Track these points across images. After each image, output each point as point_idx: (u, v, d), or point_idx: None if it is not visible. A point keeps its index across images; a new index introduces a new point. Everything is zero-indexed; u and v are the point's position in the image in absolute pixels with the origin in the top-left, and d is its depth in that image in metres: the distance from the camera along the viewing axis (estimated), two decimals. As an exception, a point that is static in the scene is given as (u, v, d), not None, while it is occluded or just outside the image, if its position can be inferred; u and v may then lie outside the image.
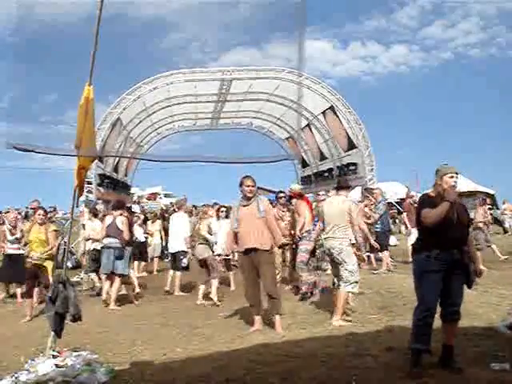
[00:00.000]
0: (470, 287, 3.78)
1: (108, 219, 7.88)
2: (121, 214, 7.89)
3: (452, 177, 3.73)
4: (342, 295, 5.51)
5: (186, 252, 8.56)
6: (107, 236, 7.66)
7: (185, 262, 8.58)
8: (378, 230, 9.98)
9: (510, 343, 4.05)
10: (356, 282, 5.54)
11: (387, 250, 10.02)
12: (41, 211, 7.07)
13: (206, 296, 7.63)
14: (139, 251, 11.52)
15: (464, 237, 3.75)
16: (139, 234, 11.72)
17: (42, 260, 6.78)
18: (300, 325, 5.51)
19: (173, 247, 8.83)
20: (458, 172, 3.78)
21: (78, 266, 11.95)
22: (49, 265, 6.83)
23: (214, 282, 7.58)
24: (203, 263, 7.82)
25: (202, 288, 7.66)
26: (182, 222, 8.79)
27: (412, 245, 4.21)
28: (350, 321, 5.56)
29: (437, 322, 3.82)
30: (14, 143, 3.12)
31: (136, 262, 11.64)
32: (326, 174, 21.98)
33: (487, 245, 10.58)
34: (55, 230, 7.23)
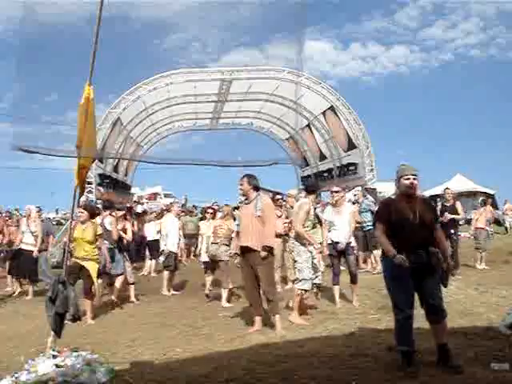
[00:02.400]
0: (445, 286, 3.77)
1: (97, 221, 7.82)
2: (110, 214, 7.86)
3: (408, 178, 3.72)
4: (294, 293, 5.84)
5: (173, 252, 8.74)
6: None
7: (161, 259, 8.82)
8: (370, 229, 9.98)
9: (510, 343, 4.04)
10: (305, 279, 5.74)
11: (377, 248, 10.09)
12: (81, 209, 6.65)
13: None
14: (152, 249, 11.49)
15: (428, 237, 3.70)
16: (152, 232, 11.67)
17: (84, 260, 6.42)
18: (300, 325, 5.51)
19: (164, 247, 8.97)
20: (415, 173, 3.74)
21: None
22: (92, 266, 6.43)
23: (225, 291, 7.33)
24: (213, 265, 7.69)
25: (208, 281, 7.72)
26: (172, 224, 8.99)
27: None
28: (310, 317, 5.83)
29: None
30: (20, 145, 3.13)
31: (149, 262, 11.64)
32: (326, 174, 22.01)
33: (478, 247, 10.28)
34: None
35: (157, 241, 11.59)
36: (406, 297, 3.67)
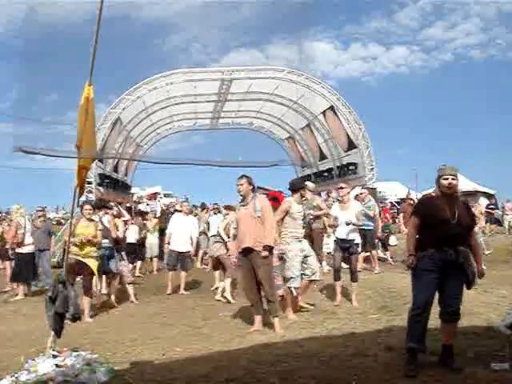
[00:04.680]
0: (468, 288, 3.75)
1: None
2: (106, 213, 7.90)
3: (447, 179, 3.73)
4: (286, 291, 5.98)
5: (174, 251, 8.75)
6: None
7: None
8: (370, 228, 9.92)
9: (510, 343, 4.04)
10: (293, 278, 5.84)
11: (375, 248, 10.13)
12: (88, 206, 6.72)
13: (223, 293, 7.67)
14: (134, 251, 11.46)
15: (461, 236, 3.69)
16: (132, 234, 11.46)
17: (86, 257, 6.47)
18: (300, 325, 5.51)
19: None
20: (454, 173, 3.75)
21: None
22: (94, 263, 6.53)
23: (227, 281, 7.55)
24: (217, 261, 7.87)
25: (221, 285, 7.74)
26: (175, 223, 8.99)
27: None
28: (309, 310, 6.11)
29: (438, 322, 3.83)
30: (21, 146, 3.12)
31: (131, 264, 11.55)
32: (326, 174, 22.00)
33: None
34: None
35: (134, 244, 11.50)
36: (426, 294, 3.67)
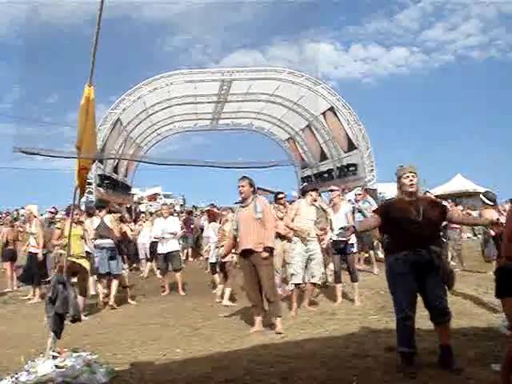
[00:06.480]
0: (449, 288, 3.71)
1: (96, 220, 7.77)
2: (109, 212, 7.92)
3: (407, 177, 3.71)
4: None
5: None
6: (99, 237, 7.56)
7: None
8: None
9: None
10: (294, 274, 6.14)
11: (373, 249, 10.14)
12: (77, 211, 6.93)
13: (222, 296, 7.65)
14: (150, 251, 11.35)
15: (432, 236, 3.67)
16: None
17: (79, 258, 6.58)
18: (300, 325, 5.51)
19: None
20: (414, 171, 3.72)
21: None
22: (87, 264, 6.66)
23: (228, 290, 7.39)
24: (216, 266, 7.87)
25: (220, 287, 7.73)
26: (153, 227, 9.16)
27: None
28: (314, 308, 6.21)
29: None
30: (21, 147, 3.12)
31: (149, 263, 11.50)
32: (326, 175, 21.99)
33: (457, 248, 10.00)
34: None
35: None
36: (406, 296, 3.63)
